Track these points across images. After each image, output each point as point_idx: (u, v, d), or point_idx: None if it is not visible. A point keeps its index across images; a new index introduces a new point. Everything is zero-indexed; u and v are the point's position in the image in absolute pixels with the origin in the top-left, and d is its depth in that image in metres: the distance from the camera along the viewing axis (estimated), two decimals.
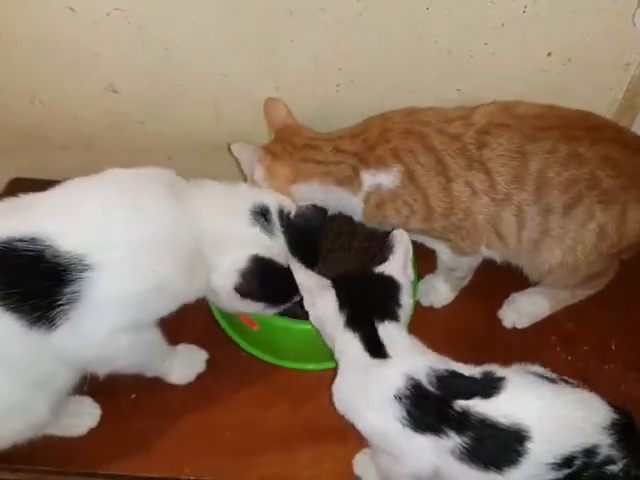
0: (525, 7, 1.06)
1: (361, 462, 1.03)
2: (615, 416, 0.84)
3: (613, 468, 0.82)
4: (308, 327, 1.07)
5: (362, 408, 0.86)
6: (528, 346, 1.14)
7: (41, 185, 0.94)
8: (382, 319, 0.89)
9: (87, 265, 0.86)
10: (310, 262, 1.03)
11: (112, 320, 0.90)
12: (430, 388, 0.83)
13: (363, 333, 0.88)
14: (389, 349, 0.87)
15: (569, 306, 1.18)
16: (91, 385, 1.02)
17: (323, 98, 1.21)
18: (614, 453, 0.82)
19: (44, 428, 0.99)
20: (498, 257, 1.10)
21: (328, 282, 0.94)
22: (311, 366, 1.14)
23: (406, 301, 0.93)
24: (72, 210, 0.91)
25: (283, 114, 1.14)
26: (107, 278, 0.87)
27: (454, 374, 0.86)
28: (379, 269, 0.95)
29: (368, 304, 0.91)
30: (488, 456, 0.82)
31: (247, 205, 1.02)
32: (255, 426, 1.09)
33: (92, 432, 1.07)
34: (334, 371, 0.93)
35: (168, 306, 0.97)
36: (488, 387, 0.84)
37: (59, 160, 1.36)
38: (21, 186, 0.97)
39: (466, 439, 0.81)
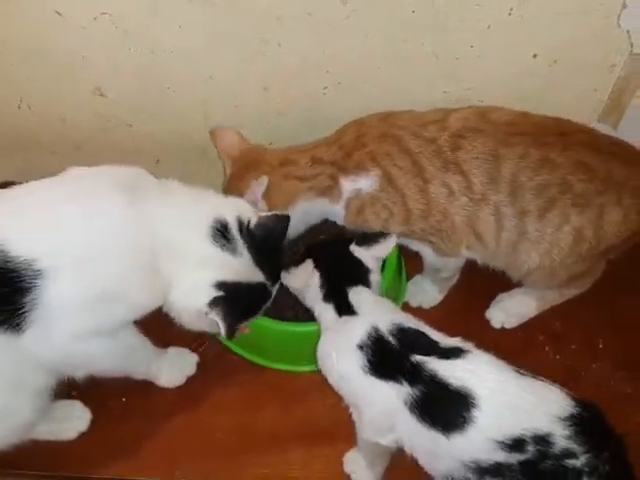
0: (511, 10, 1.06)
1: (351, 459, 1.04)
2: (575, 409, 0.84)
3: (575, 462, 0.82)
4: (299, 329, 1.09)
5: (332, 358, 0.93)
6: (516, 346, 1.15)
7: None
8: (353, 285, 0.98)
9: (38, 270, 0.85)
10: (273, 271, 1.01)
11: (70, 324, 0.89)
12: (390, 340, 0.90)
13: (336, 302, 0.97)
14: (357, 308, 0.95)
15: (556, 305, 1.19)
16: (81, 389, 1.02)
17: (311, 100, 1.22)
18: (573, 446, 0.82)
19: (30, 432, 0.98)
20: (479, 259, 1.11)
21: (311, 265, 1.00)
22: (304, 368, 1.14)
23: (375, 279, 1.01)
24: (23, 213, 0.90)
25: (236, 140, 1.13)
26: (57, 283, 0.86)
27: (417, 332, 0.92)
28: (352, 248, 1.02)
29: (342, 279, 0.99)
30: (435, 413, 0.86)
31: (208, 220, 0.96)
32: (246, 428, 1.09)
33: (82, 436, 1.07)
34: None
35: (128, 312, 0.95)
36: (448, 351, 0.89)
37: (50, 163, 1.34)
38: None
39: (417, 391, 0.86)
